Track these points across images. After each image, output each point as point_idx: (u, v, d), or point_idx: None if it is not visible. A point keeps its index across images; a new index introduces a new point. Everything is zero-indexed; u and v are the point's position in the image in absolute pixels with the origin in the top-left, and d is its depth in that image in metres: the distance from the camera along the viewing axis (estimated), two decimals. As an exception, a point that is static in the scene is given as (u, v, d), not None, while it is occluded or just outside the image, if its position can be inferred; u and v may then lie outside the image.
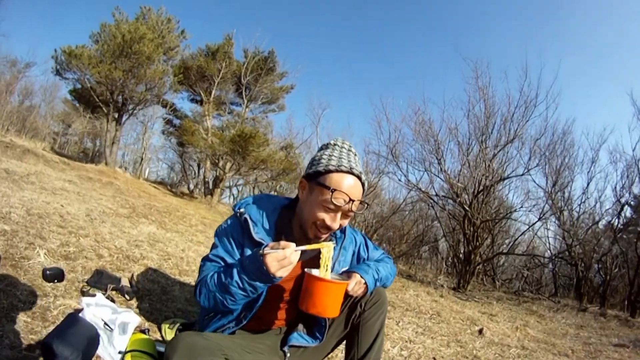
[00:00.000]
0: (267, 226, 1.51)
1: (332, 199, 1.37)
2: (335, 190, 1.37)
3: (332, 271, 1.51)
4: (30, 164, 7.56)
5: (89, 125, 23.02)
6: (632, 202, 9.66)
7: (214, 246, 1.52)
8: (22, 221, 3.23)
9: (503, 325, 4.63)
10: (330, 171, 1.41)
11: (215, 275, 1.37)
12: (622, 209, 9.52)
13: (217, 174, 16.44)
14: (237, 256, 1.46)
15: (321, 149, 1.55)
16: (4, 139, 9.57)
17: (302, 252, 1.30)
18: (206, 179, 17.60)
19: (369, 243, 1.81)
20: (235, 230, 1.50)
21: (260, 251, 1.25)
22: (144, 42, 12.63)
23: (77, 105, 18.88)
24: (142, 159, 23.82)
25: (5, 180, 4.95)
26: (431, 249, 14.79)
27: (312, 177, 1.46)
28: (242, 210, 1.51)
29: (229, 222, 1.55)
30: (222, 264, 1.45)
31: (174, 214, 7.21)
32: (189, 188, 20.15)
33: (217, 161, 15.71)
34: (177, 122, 19.56)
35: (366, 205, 1.51)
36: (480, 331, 3.94)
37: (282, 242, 1.25)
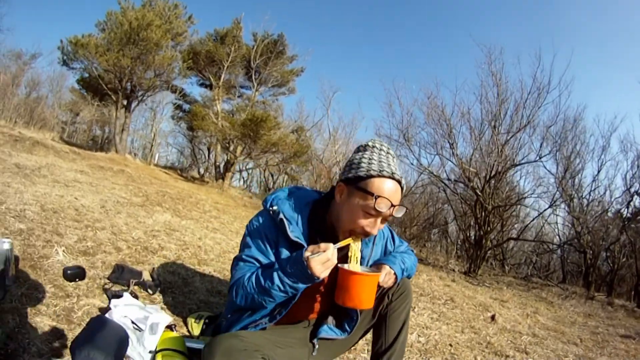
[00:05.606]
0: (300, 223, 1.48)
1: (375, 205, 1.34)
2: (378, 196, 1.34)
3: (362, 265, 1.54)
4: (40, 156, 7.56)
5: (97, 113, 23.03)
6: (641, 192, 9.60)
7: (246, 245, 1.51)
8: (37, 218, 3.20)
9: (514, 311, 4.69)
10: (372, 176, 1.37)
11: (253, 278, 1.39)
12: (631, 198, 9.53)
13: (228, 158, 16.48)
14: (271, 255, 1.47)
15: (358, 150, 1.51)
16: (13, 131, 9.52)
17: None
18: (217, 163, 17.66)
19: (395, 236, 1.83)
20: (268, 229, 1.49)
21: (304, 257, 1.27)
22: (151, 29, 12.51)
23: (85, 94, 18.78)
24: (152, 145, 23.91)
25: (17, 175, 4.91)
26: (441, 231, 14.82)
27: (352, 182, 1.41)
28: (275, 208, 1.48)
29: (260, 219, 1.53)
30: (257, 264, 1.46)
31: (187, 200, 7.27)
32: (199, 172, 20.29)
33: (227, 145, 15.72)
34: (186, 107, 19.57)
35: (406, 210, 1.48)
36: (493, 317, 3.99)
37: (322, 245, 1.28)
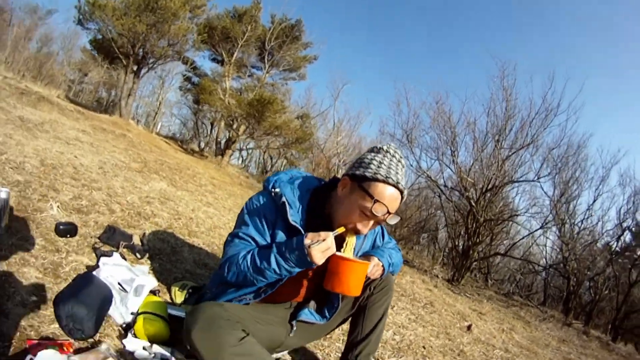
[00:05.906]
0: (299, 209, 1.50)
1: (372, 209, 1.37)
2: (377, 200, 1.36)
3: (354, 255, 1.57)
4: (44, 112, 7.48)
5: (105, 75, 22.91)
6: (633, 229, 9.72)
7: (244, 223, 1.51)
8: (35, 172, 3.18)
9: (491, 325, 4.75)
10: (377, 180, 1.38)
11: (249, 257, 1.40)
12: (622, 233, 9.63)
13: (230, 135, 16.46)
14: (268, 236, 1.48)
15: (372, 151, 1.50)
16: (20, 84, 9.43)
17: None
18: (218, 139, 17.67)
19: (385, 232, 1.87)
20: (268, 209, 1.50)
21: (305, 244, 1.29)
22: (170, -2, 12.45)
23: (96, 55, 18.56)
24: (156, 113, 23.83)
25: (20, 128, 4.87)
26: (430, 237, 14.91)
27: (357, 179, 1.43)
28: (277, 190, 1.49)
29: (261, 199, 1.54)
30: (252, 243, 1.47)
31: (185, 171, 7.28)
32: (199, 146, 20.27)
33: (231, 123, 15.72)
34: (195, 79, 19.57)
35: (399, 219, 1.51)
36: (469, 327, 4.05)
37: (322, 234, 1.30)
